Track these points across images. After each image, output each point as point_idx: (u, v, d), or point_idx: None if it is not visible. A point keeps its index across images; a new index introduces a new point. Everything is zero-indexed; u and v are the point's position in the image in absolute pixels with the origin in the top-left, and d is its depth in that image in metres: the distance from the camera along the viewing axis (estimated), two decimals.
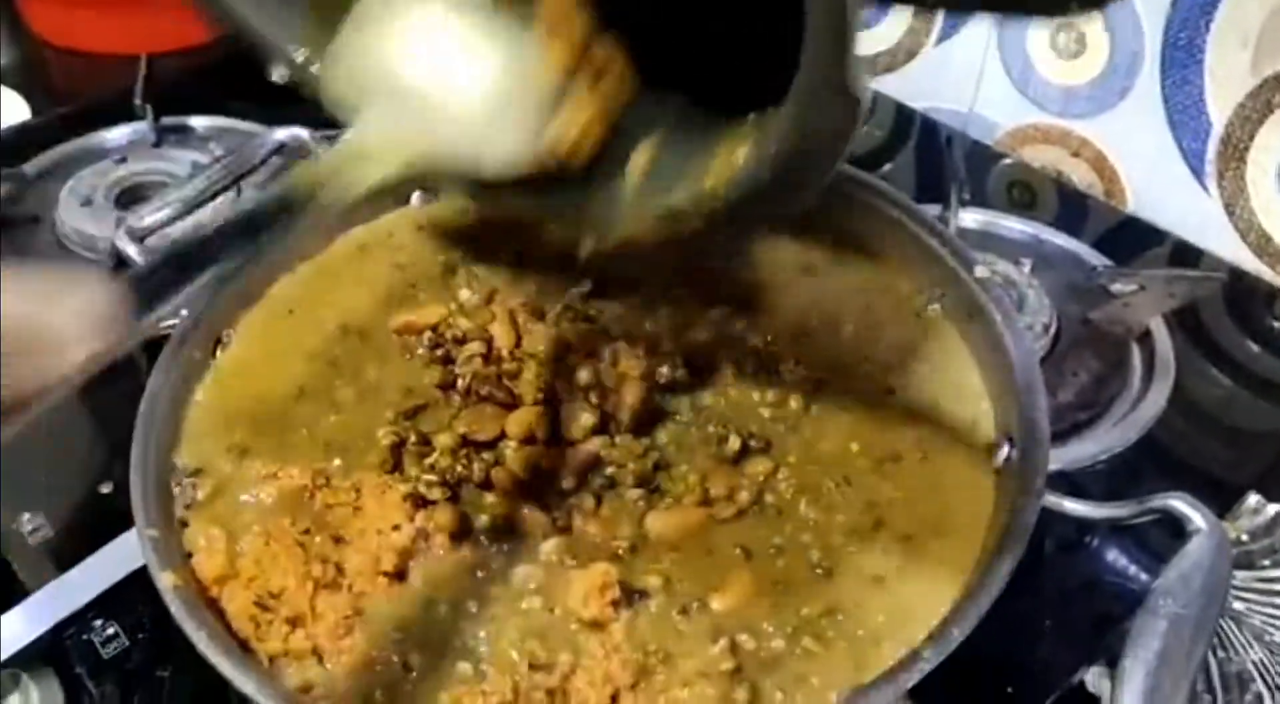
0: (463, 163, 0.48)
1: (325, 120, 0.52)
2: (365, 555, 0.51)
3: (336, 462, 0.56)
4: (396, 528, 0.53)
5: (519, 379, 0.58)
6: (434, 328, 0.62)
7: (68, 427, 0.76)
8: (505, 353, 0.60)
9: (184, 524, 0.53)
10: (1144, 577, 0.69)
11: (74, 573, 0.67)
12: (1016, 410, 0.55)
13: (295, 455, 0.56)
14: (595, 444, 0.56)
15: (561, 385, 0.58)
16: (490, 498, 0.55)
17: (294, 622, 0.49)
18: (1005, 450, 0.54)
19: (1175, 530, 0.51)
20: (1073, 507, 0.51)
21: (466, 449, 0.56)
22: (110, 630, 0.65)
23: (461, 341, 0.61)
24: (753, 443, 0.57)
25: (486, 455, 0.56)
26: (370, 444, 0.57)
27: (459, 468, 0.55)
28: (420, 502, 0.54)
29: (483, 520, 0.54)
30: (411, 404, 0.59)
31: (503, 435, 0.57)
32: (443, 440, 0.56)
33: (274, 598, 0.49)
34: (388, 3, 0.49)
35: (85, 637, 0.65)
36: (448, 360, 0.61)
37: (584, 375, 0.57)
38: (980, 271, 0.60)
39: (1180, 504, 0.49)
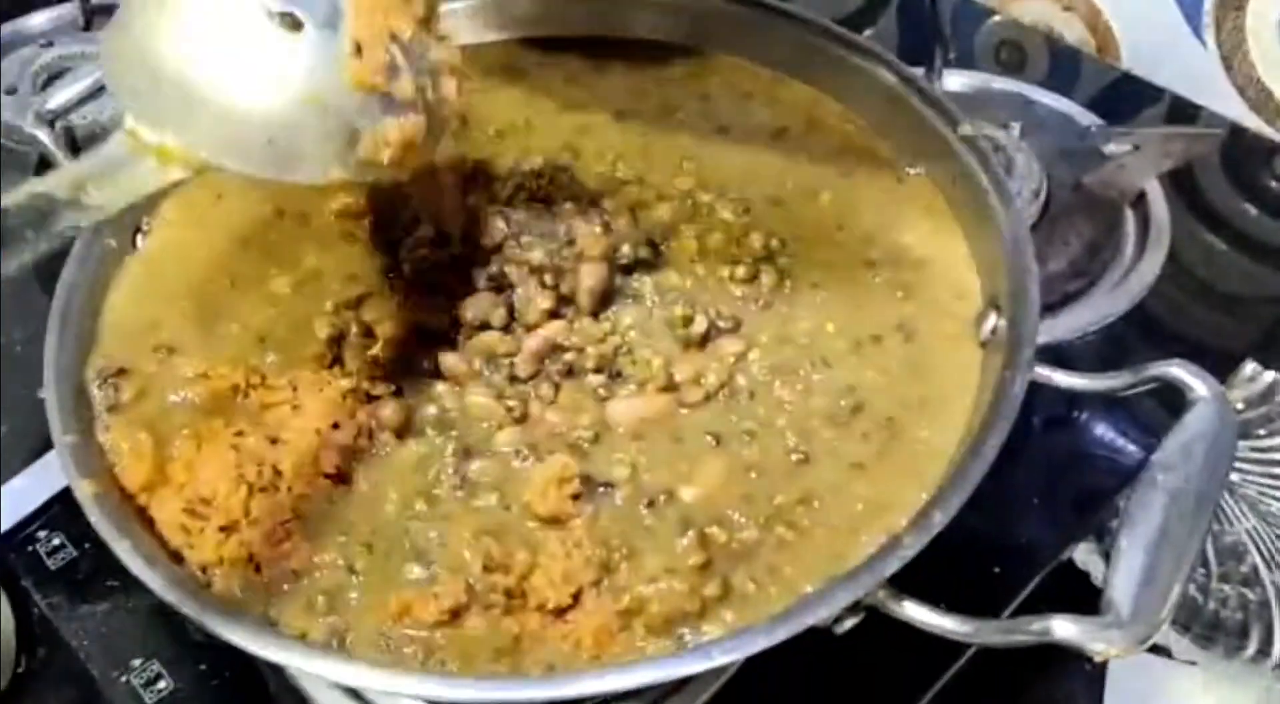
0: (263, 172, 0.43)
1: None
2: (304, 456, 0.48)
3: (271, 357, 0.52)
4: (337, 426, 0.49)
5: (470, 263, 0.54)
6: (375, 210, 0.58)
7: (12, 331, 0.72)
8: (455, 235, 0.55)
9: (107, 429, 0.49)
10: (1133, 449, 0.67)
11: (16, 482, 0.65)
12: (1005, 278, 0.51)
13: (226, 351, 0.52)
14: (552, 329, 0.52)
15: (514, 268, 0.53)
16: (440, 387, 0.51)
17: (228, 529, 0.46)
18: (992, 321, 0.51)
19: (1171, 401, 0.48)
20: (1064, 379, 0.48)
21: (415, 337, 0.52)
22: (56, 541, 0.63)
23: (409, 229, 0.56)
24: (721, 323, 0.53)
25: (439, 344, 0.52)
26: (308, 337, 0.53)
27: (405, 357, 0.51)
28: (363, 397, 0.50)
29: (430, 411, 0.51)
30: (354, 293, 0.55)
31: (455, 324, 0.53)
32: (388, 330, 0.52)
33: (206, 504, 0.46)
34: None
35: (31, 548, 0.63)
36: (392, 245, 0.56)
37: (537, 256, 0.53)
38: (965, 130, 0.55)
39: (1181, 372, 0.45)
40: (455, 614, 0.44)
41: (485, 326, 0.53)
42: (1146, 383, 0.46)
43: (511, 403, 0.51)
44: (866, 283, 0.55)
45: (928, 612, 0.42)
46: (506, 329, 0.53)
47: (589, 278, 0.53)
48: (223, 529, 0.45)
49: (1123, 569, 0.39)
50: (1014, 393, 0.45)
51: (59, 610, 0.61)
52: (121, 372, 0.51)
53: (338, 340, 0.52)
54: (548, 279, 0.53)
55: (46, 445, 0.62)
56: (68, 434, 0.47)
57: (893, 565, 0.41)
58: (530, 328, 0.52)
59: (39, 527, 0.63)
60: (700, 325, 0.52)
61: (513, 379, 0.51)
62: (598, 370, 0.52)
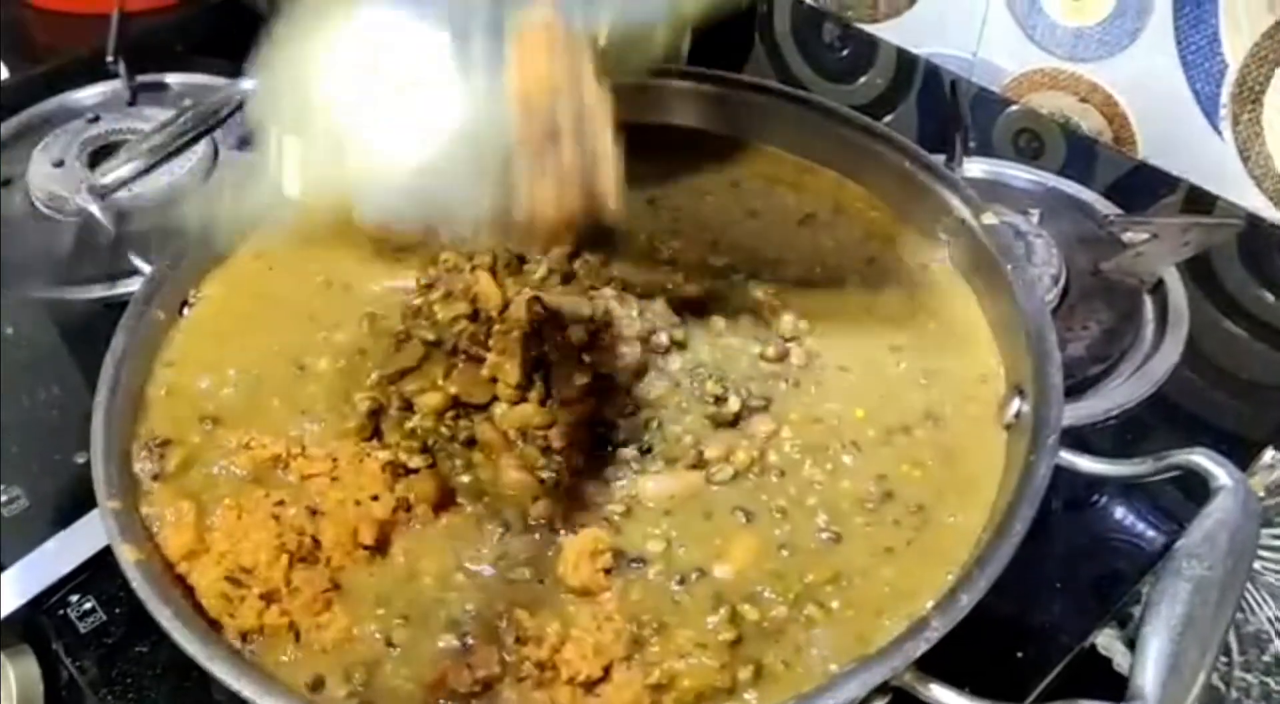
0: (406, 222, 0.44)
1: None
2: (343, 528, 0.49)
3: (311, 427, 0.54)
4: (375, 498, 0.50)
5: (508, 337, 0.55)
6: (420, 286, 0.59)
7: (44, 395, 0.73)
8: (494, 313, 0.57)
9: (151, 497, 0.51)
10: (1155, 536, 0.67)
11: (50, 546, 0.65)
12: (1028, 363, 0.52)
13: (269, 422, 0.54)
14: (587, 404, 0.54)
15: (551, 346, 0.55)
16: (476, 456, 0.52)
17: (268, 597, 0.47)
18: (1016, 405, 0.52)
19: (1194, 488, 0.48)
20: (1088, 464, 0.48)
21: (454, 410, 0.54)
22: (87, 605, 0.63)
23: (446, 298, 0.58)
24: (752, 401, 0.54)
25: (475, 417, 0.53)
26: (348, 410, 0.54)
27: (443, 429, 0.52)
28: (400, 470, 0.51)
29: (465, 481, 0.52)
30: (396, 367, 0.56)
31: (494, 399, 0.54)
32: (429, 401, 0.53)
33: (246, 573, 0.47)
34: (323, 13, 0.42)
35: (62, 612, 0.63)
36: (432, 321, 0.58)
37: (577, 333, 0.55)
38: (988, 218, 0.57)
39: (1203, 460, 0.46)
40: (488, 685, 0.45)
41: (522, 401, 0.54)
42: (1169, 470, 0.47)
43: (545, 474, 0.52)
44: (892, 369, 0.56)
45: (954, 695, 0.42)
46: (542, 404, 0.54)
47: (625, 357, 0.54)
48: (263, 597, 0.46)
49: (1149, 657, 0.40)
50: (1039, 477, 0.46)
51: (88, 675, 0.61)
52: (167, 442, 0.53)
53: (376, 413, 0.53)
54: (586, 357, 0.54)
55: (78, 510, 0.64)
56: (112, 500, 0.48)
57: (920, 647, 0.41)
58: (565, 403, 0.54)
59: (71, 590, 0.64)
60: (734, 405, 0.53)
61: (546, 450, 0.52)
62: (627, 443, 0.53)
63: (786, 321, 0.58)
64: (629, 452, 0.53)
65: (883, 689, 0.42)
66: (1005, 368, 0.55)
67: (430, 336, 0.57)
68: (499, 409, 0.53)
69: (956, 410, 0.54)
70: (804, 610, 0.47)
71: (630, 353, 0.54)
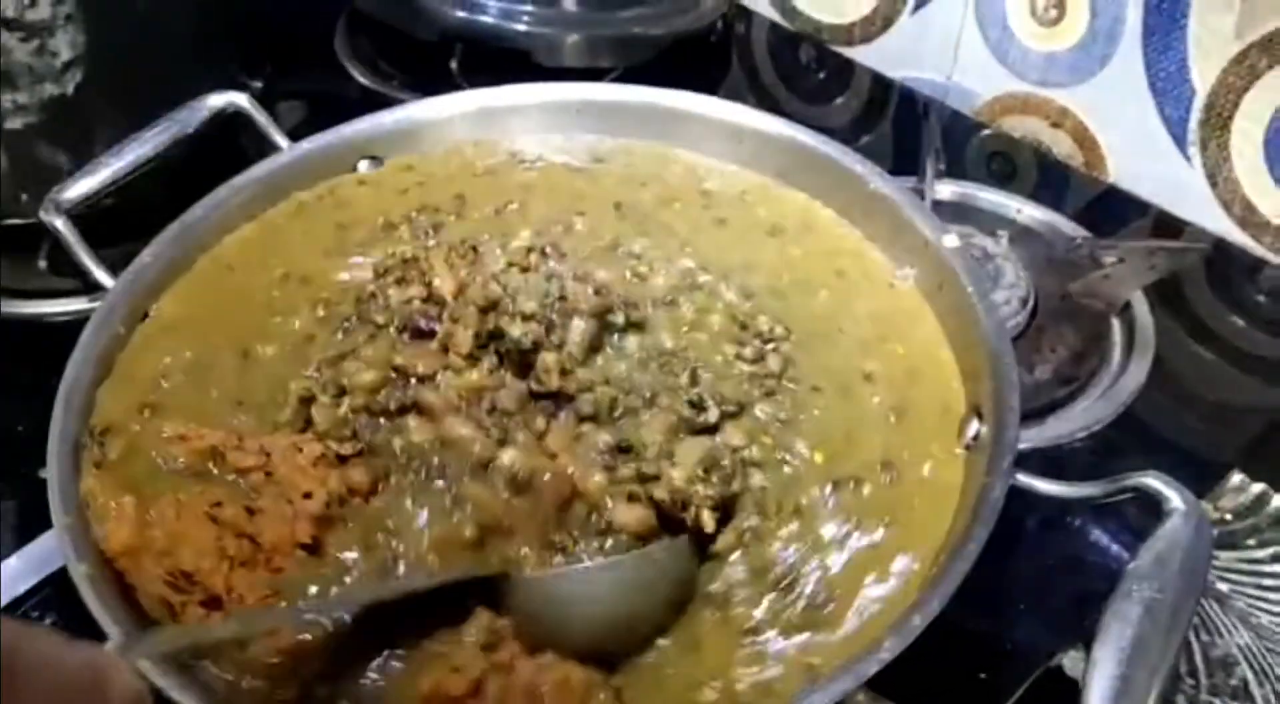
0: None
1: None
2: (280, 526, 0.48)
3: (247, 420, 0.53)
4: (308, 495, 0.49)
5: (465, 309, 0.55)
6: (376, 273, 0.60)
7: (6, 409, 0.73)
8: (449, 296, 0.57)
9: (92, 486, 0.50)
10: (1122, 556, 0.67)
11: (10, 562, 0.65)
12: (988, 386, 0.52)
13: (209, 412, 0.53)
14: (546, 361, 0.53)
15: (506, 319, 0.55)
16: (412, 422, 0.52)
17: (210, 604, 0.46)
18: (975, 427, 0.52)
19: (1155, 508, 0.48)
20: (1044, 487, 0.49)
21: (389, 386, 0.53)
22: (48, 622, 0.63)
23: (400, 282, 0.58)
24: (726, 406, 0.54)
25: (419, 387, 0.53)
26: (284, 399, 0.54)
27: (375, 402, 0.52)
28: (334, 461, 0.51)
29: (398, 446, 0.51)
30: (337, 351, 0.56)
31: (439, 371, 0.53)
32: (363, 380, 0.53)
33: (187, 579, 0.46)
34: None
35: None
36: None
37: (530, 306, 0.54)
38: (950, 240, 0.57)
39: (1155, 483, 0.46)
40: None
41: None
42: (1122, 493, 0.47)
43: (493, 431, 0.51)
44: (865, 401, 0.56)
45: None
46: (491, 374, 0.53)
47: (577, 330, 0.54)
48: (205, 605, 0.46)
49: (1098, 681, 0.40)
50: (993, 499, 0.46)
51: None
52: (107, 430, 0.52)
53: (309, 401, 0.53)
54: (538, 331, 0.54)
55: (40, 527, 0.64)
56: (68, 515, 0.48)
57: (871, 668, 0.41)
58: (519, 372, 0.53)
59: (31, 607, 0.63)
60: (712, 415, 0.53)
61: (492, 410, 0.52)
62: (591, 416, 0.52)
63: (763, 322, 0.58)
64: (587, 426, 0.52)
65: None
66: (966, 389, 0.55)
67: (380, 319, 0.57)
68: (446, 376, 0.53)
69: (915, 457, 0.54)
70: None
71: (585, 326, 0.54)
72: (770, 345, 0.57)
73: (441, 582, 0.47)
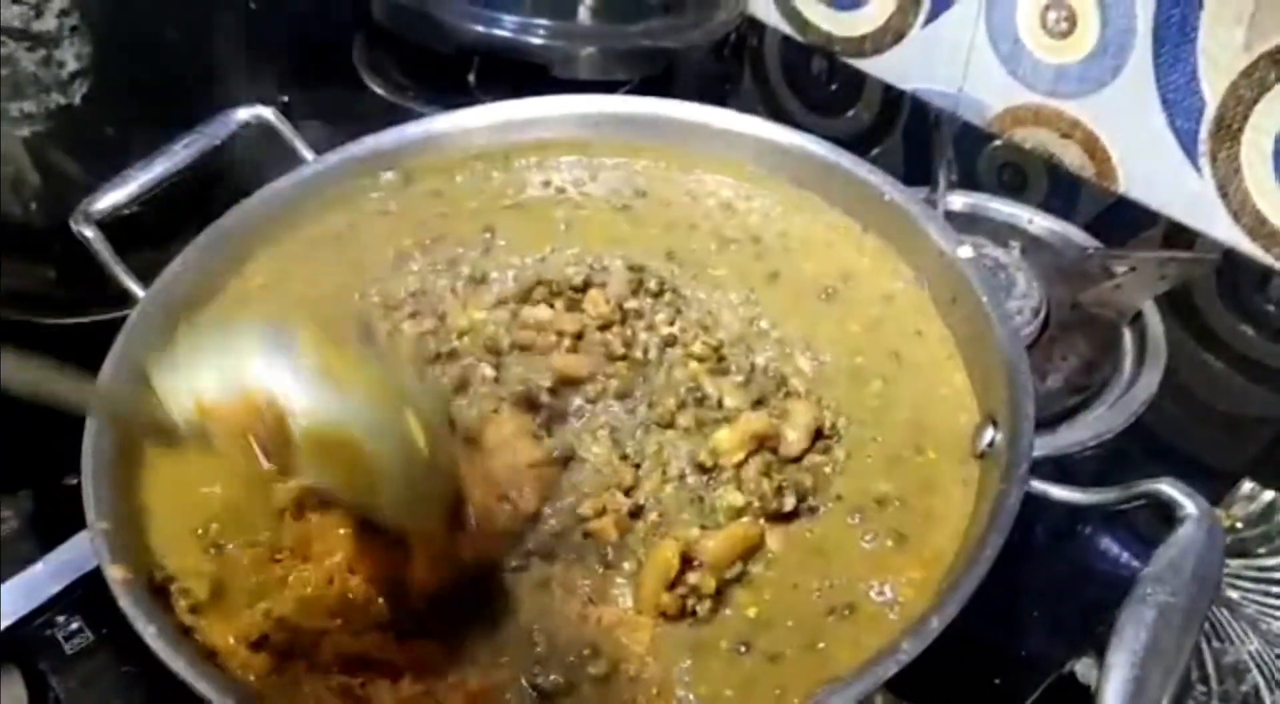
0: None
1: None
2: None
3: None
4: None
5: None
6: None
7: (32, 415, 0.74)
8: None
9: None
10: (1137, 564, 0.68)
11: (38, 567, 0.66)
12: (1003, 395, 0.53)
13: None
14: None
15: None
16: None
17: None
18: (989, 435, 0.53)
19: (1166, 516, 0.49)
20: (1058, 493, 0.49)
21: None
22: (74, 626, 0.64)
23: None
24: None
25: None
26: None
27: None
28: None
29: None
30: None
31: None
32: None
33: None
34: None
35: (49, 632, 0.64)
36: None
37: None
38: (964, 251, 0.58)
39: (1169, 489, 0.47)
40: None
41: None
42: (1136, 500, 0.48)
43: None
44: (884, 415, 0.58)
45: None
46: None
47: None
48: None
49: (1114, 683, 0.41)
50: (1009, 505, 0.47)
51: (74, 695, 0.62)
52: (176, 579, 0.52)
53: None
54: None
55: (68, 533, 0.65)
56: (101, 521, 0.49)
57: (890, 669, 0.42)
58: None
59: (58, 611, 0.64)
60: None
61: None
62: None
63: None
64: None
65: None
66: (979, 397, 0.56)
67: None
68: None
69: (936, 443, 0.55)
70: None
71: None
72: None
73: None
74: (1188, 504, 0.46)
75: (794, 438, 0.55)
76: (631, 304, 0.62)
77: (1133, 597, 0.43)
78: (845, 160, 0.66)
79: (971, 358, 0.58)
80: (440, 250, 0.67)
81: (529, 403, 0.57)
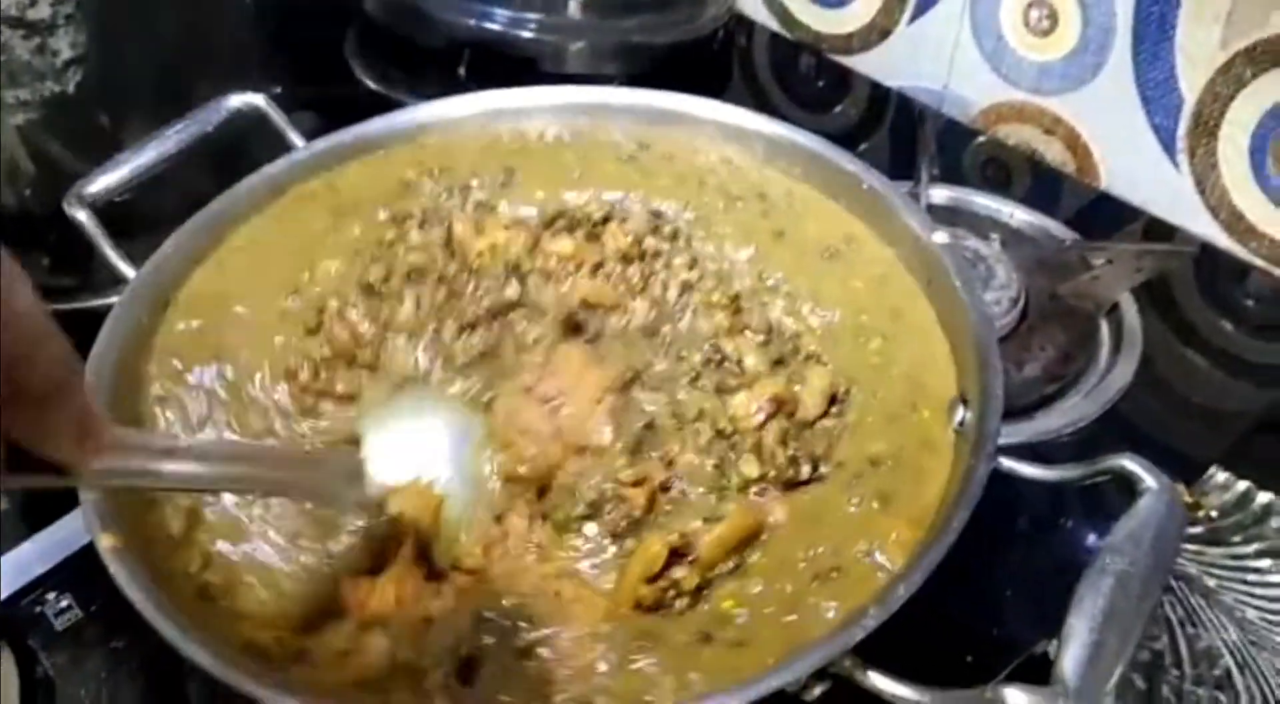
0: None
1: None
2: None
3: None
4: None
5: None
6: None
7: None
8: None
9: None
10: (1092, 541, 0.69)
11: (27, 545, 0.67)
12: (974, 375, 0.54)
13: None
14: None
15: None
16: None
17: None
18: (961, 413, 0.54)
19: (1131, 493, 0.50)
20: (1027, 471, 0.51)
21: None
22: (64, 603, 0.65)
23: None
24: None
25: None
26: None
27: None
28: None
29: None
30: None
31: None
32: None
33: None
34: None
35: (39, 609, 0.65)
36: None
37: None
38: (939, 236, 0.59)
39: (1131, 464, 0.48)
40: None
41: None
42: (1100, 475, 0.49)
43: None
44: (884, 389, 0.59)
45: (889, 682, 0.44)
46: None
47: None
48: None
49: (1072, 645, 0.42)
50: (977, 478, 0.48)
51: (63, 671, 0.63)
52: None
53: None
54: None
55: (58, 511, 0.66)
56: (92, 491, 0.50)
57: (856, 635, 0.43)
58: None
59: (48, 588, 0.65)
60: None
61: None
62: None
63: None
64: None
65: (821, 676, 0.44)
66: (956, 376, 0.57)
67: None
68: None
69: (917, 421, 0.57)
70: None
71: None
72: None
73: None
74: (1148, 478, 0.47)
75: (811, 403, 0.56)
76: (650, 243, 0.64)
77: (1092, 567, 0.45)
78: (828, 150, 0.67)
79: (949, 336, 0.59)
80: (450, 178, 0.68)
81: (574, 327, 0.59)
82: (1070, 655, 0.41)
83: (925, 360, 0.58)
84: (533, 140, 0.71)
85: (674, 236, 0.65)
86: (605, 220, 0.65)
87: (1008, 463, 0.51)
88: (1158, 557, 0.44)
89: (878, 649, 0.45)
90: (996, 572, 0.66)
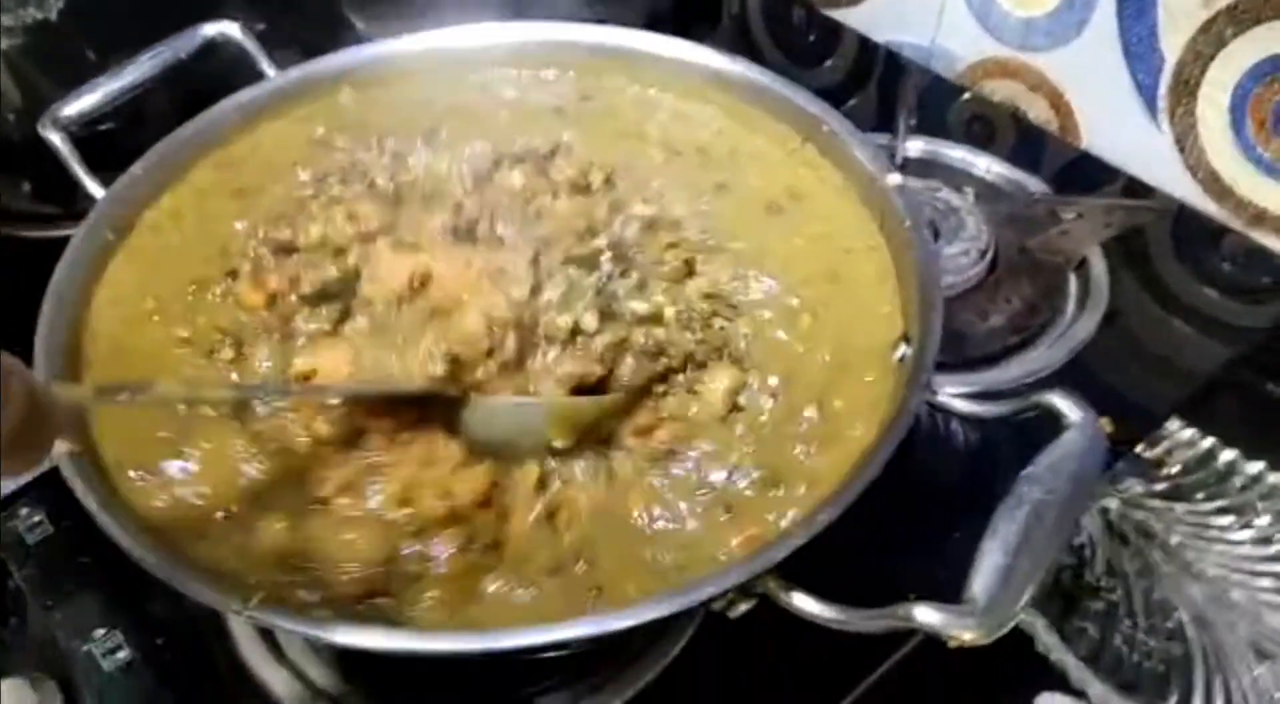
0: None
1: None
2: None
3: None
4: None
5: None
6: None
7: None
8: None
9: None
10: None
11: None
12: (915, 309, 0.55)
13: None
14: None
15: None
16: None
17: None
18: (902, 349, 0.55)
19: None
20: (959, 405, 0.52)
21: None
22: (36, 518, 0.67)
23: None
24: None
25: None
26: None
27: None
28: None
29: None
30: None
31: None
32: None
33: None
34: None
35: (11, 524, 0.67)
36: None
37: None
38: (892, 179, 0.60)
39: (1055, 399, 0.49)
40: None
41: None
42: (1030, 410, 0.50)
43: None
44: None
45: (810, 601, 0.45)
46: None
47: None
48: None
49: (984, 568, 0.43)
50: (909, 408, 0.49)
51: (32, 583, 0.65)
52: None
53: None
54: None
55: None
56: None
57: (780, 553, 0.45)
58: None
59: (21, 504, 0.67)
60: None
61: None
62: None
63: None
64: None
65: (745, 593, 0.45)
66: (902, 313, 0.58)
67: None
68: None
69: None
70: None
71: None
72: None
73: (411, 392, 0.53)
74: (1071, 412, 0.48)
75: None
76: (596, 179, 0.64)
77: (1012, 494, 0.45)
78: (790, 91, 0.68)
79: (900, 279, 0.60)
80: (390, 144, 0.68)
81: None
82: (981, 577, 0.42)
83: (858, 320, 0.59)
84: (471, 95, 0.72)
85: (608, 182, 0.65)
86: (552, 155, 0.65)
87: (942, 397, 0.52)
88: (1076, 487, 0.45)
89: (797, 569, 0.47)
90: (922, 503, 0.66)
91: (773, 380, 0.56)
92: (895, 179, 0.60)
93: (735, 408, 0.55)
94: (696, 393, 0.55)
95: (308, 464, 0.53)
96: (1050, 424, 0.50)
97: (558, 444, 0.53)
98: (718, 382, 0.55)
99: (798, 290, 0.60)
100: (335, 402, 0.54)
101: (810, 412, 0.54)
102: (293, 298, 0.57)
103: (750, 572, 0.44)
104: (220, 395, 0.55)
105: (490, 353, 0.54)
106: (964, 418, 0.53)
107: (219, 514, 0.52)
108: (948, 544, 0.65)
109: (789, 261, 0.62)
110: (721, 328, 0.58)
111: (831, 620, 0.45)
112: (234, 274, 0.60)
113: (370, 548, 0.49)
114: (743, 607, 0.46)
